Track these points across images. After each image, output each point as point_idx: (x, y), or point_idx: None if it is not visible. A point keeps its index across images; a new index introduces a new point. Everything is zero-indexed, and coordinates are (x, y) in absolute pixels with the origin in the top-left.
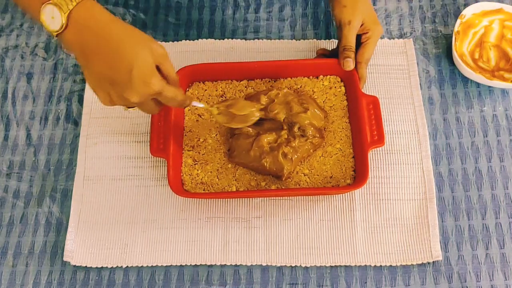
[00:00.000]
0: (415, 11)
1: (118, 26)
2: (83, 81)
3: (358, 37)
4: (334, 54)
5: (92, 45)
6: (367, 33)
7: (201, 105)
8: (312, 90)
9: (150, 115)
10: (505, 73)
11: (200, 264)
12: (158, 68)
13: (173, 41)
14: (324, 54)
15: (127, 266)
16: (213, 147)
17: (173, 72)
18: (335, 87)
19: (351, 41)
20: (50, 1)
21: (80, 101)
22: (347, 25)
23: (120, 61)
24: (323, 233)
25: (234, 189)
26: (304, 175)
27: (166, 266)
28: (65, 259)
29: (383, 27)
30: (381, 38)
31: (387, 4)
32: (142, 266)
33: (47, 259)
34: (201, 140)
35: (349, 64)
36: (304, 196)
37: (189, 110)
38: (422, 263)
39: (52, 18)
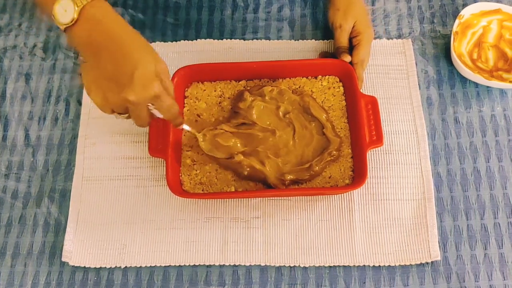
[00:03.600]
0: (414, 11)
1: (129, 29)
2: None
3: (351, 39)
4: (335, 55)
5: (101, 41)
6: (357, 36)
7: (188, 128)
8: (311, 90)
9: None
10: (503, 73)
11: (199, 265)
12: None
13: (171, 41)
14: (326, 56)
15: (126, 267)
16: None
17: (172, 89)
18: (334, 87)
19: (343, 42)
20: None
21: (79, 101)
22: (338, 28)
23: (126, 60)
24: (322, 233)
25: (233, 190)
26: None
27: (165, 266)
28: (63, 259)
29: (381, 27)
30: (380, 38)
31: (385, 5)
32: (140, 267)
33: (46, 260)
34: None
35: (346, 58)
36: (303, 196)
37: (187, 110)
38: (421, 263)
39: (65, 11)
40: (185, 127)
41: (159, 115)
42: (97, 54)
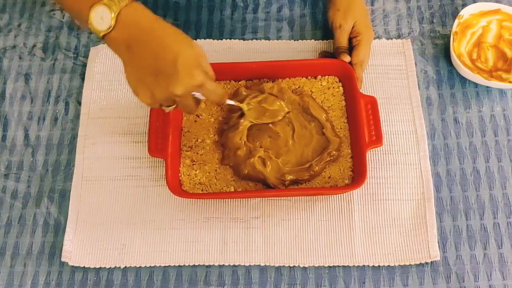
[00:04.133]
0: (413, 12)
1: (164, 24)
2: (82, 81)
3: (351, 40)
4: (335, 55)
5: (138, 39)
6: (357, 36)
7: (233, 102)
8: (311, 90)
9: (149, 117)
10: (503, 73)
11: (199, 265)
12: None
13: None
14: (326, 56)
15: (125, 267)
16: (211, 147)
17: (211, 70)
18: (334, 87)
19: (343, 42)
20: (101, 2)
21: (78, 101)
22: (338, 28)
23: (166, 52)
24: (321, 233)
25: (232, 190)
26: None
27: (165, 266)
28: (63, 259)
29: (381, 28)
30: (379, 38)
31: (385, 5)
32: (140, 267)
33: (45, 260)
34: (199, 140)
35: (346, 58)
36: (303, 197)
37: None
38: (420, 263)
39: (101, 19)
40: (230, 102)
41: (203, 97)
42: (137, 51)
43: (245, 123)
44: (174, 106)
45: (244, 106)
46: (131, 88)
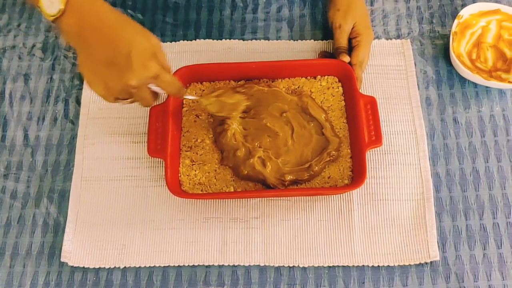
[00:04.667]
0: (413, 12)
1: (117, 13)
2: (81, 81)
3: (351, 40)
4: (334, 55)
5: (91, 28)
6: (357, 37)
7: (192, 97)
8: (310, 91)
9: (148, 117)
10: (502, 74)
11: (198, 265)
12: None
13: (170, 42)
14: (325, 56)
15: (125, 267)
16: (210, 147)
17: (166, 62)
18: (333, 87)
19: (343, 43)
20: None
21: (78, 101)
22: (338, 28)
23: (119, 43)
24: (321, 233)
25: (232, 190)
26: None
27: (164, 266)
28: (62, 259)
29: (380, 28)
30: (379, 38)
31: (384, 5)
32: (140, 267)
33: (45, 260)
34: (199, 140)
35: (345, 58)
36: (302, 197)
37: (186, 110)
38: (420, 263)
39: (51, 3)
40: (188, 97)
41: (161, 91)
42: (90, 41)
43: (232, 126)
44: (131, 100)
45: (202, 100)
46: (85, 79)
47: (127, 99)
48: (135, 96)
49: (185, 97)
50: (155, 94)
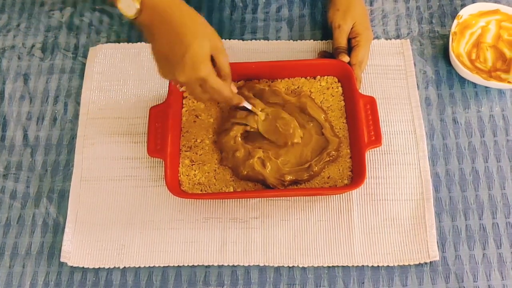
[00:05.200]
0: (412, 12)
1: (184, 10)
2: (81, 81)
3: (351, 40)
4: (334, 55)
5: (158, 25)
6: (356, 37)
7: (249, 106)
8: (310, 91)
9: (148, 117)
10: (501, 74)
11: (198, 265)
12: (212, 59)
13: None
14: (325, 55)
15: (125, 267)
16: (210, 147)
17: (227, 67)
18: (333, 87)
19: (342, 43)
20: None
21: (77, 101)
22: (337, 28)
23: (178, 43)
24: (320, 233)
25: (232, 190)
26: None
27: (164, 266)
28: (62, 260)
29: (380, 28)
30: (378, 38)
31: (384, 5)
32: (139, 267)
33: (44, 260)
34: (199, 140)
35: (344, 58)
36: (302, 197)
37: (186, 110)
38: (420, 263)
39: (128, 6)
40: (246, 104)
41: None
42: (156, 37)
43: (236, 129)
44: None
45: (262, 115)
46: (154, 60)
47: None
48: (186, 89)
49: (243, 105)
50: (209, 94)
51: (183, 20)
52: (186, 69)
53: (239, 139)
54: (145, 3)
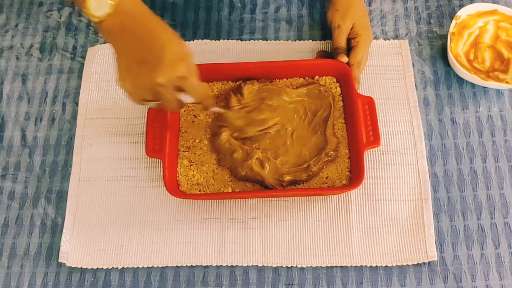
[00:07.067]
0: (410, 12)
1: (158, 19)
2: (79, 81)
3: (350, 41)
4: (333, 55)
5: (132, 29)
6: (356, 37)
7: (219, 109)
8: None
9: (146, 117)
10: (500, 74)
11: (196, 265)
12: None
13: None
14: (324, 55)
15: (123, 267)
16: (209, 148)
17: (196, 70)
18: (331, 87)
19: (341, 43)
20: None
21: (76, 101)
22: (337, 28)
23: (154, 42)
24: (319, 233)
25: (230, 190)
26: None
27: (162, 267)
28: (60, 260)
29: (378, 28)
30: (376, 38)
31: (382, 5)
32: (138, 267)
33: (43, 261)
34: (197, 141)
35: (343, 58)
36: (300, 197)
37: (184, 111)
38: (418, 263)
39: (98, 5)
40: (215, 109)
41: (188, 100)
42: (128, 40)
43: (225, 131)
44: (156, 102)
45: (230, 114)
46: (117, 75)
47: (153, 101)
48: (160, 96)
49: (212, 109)
50: (182, 102)
51: (157, 26)
52: (165, 67)
53: (234, 140)
54: (120, 9)
